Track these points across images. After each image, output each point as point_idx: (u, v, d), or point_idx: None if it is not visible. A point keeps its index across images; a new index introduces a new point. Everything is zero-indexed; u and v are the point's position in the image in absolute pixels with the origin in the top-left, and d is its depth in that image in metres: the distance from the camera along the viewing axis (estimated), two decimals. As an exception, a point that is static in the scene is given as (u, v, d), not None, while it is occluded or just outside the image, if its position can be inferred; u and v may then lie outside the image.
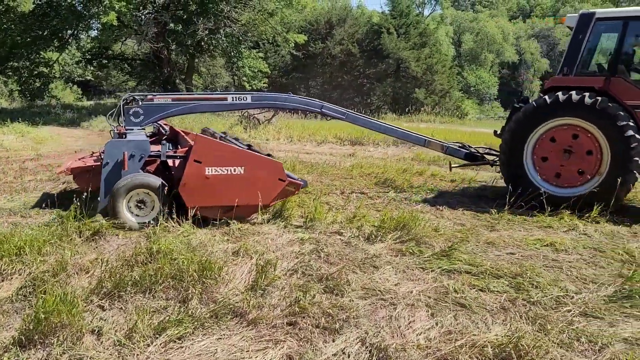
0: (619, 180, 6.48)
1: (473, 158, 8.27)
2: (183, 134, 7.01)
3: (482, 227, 6.12)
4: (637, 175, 6.60)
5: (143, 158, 5.81)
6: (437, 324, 3.54)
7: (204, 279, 4.01)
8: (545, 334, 3.38)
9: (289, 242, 5.26)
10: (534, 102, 7.10)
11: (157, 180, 5.65)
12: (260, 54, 27.51)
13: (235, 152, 5.79)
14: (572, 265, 4.80)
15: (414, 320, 3.59)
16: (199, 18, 22.92)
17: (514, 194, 6.93)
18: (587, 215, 6.49)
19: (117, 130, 6.51)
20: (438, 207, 7.19)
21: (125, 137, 6.08)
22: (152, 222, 5.55)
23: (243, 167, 5.65)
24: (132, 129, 6.67)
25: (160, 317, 3.50)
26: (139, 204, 5.64)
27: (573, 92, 6.78)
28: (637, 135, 6.53)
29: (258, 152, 6.41)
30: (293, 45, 26.54)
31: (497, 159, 7.88)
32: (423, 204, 7.36)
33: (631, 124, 6.56)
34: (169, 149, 6.21)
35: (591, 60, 7.47)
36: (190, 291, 3.86)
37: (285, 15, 24.39)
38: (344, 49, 31.96)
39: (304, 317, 3.58)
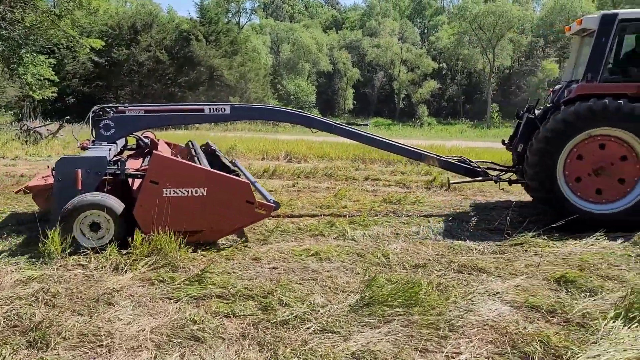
0: None
1: (474, 173, 7.64)
2: (164, 146, 6.27)
3: (254, 242, 5.87)
4: None
5: (99, 176, 5.28)
6: (156, 368, 3.08)
7: None
8: (273, 362, 3.14)
9: (13, 284, 4.37)
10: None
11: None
12: (52, 60, 24.61)
13: (196, 171, 5.27)
14: (330, 275, 4.75)
15: (130, 368, 3.08)
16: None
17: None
18: (360, 221, 6.67)
19: (80, 144, 6.17)
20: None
21: (85, 153, 5.59)
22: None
23: (205, 188, 5.14)
24: (101, 143, 6.18)
25: None
26: (93, 227, 5.10)
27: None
28: None
29: (239, 171, 5.68)
30: (88, 50, 24.24)
31: (504, 174, 7.60)
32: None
33: None
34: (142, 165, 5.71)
35: (618, 65, 6.95)
36: None
37: (78, 18, 22.14)
38: (151, 55, 30.33)
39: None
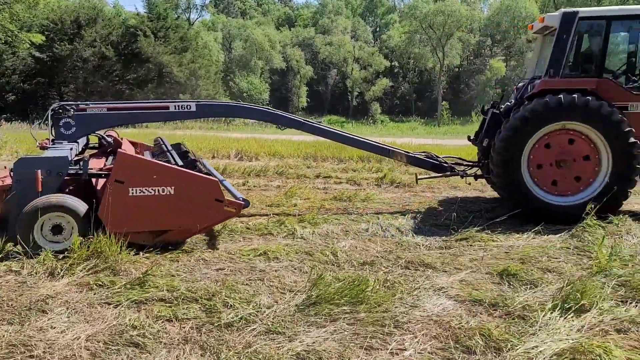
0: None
1: (441, 169, 7.69)
2: (130, 145, 6.32)
3: (201, 242, 5.73)
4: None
5: (60, 177, 5.09)
6: (91, 378, 2.93)
7: None
8: (215, 367, 3.05)
9: (-63, 293, 4.09)
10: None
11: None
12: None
13: (163, 169, 5.13)
14: (277, 275, 4.69)
15: (62, 380, 2.93)
16: None
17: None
18: (309, 219, 6.64)
19: (39, 143, 5.95)
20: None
21: (45, 153, 5.39)
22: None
23: (173, 187, 5.04)
24: (61, 143, 5.97)
25: None
26: (54, 230, 4.93)
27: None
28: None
29: (204, 169, 5.48)
30: (28, 45, 23.14)
31: (470, 169, 7.65)
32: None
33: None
34: (106, 164, 5.57)
35: (578, 61, 7.23)
36: None
37: (17, 12, 21.09)
38: (96, 51, 29.26)
39: None
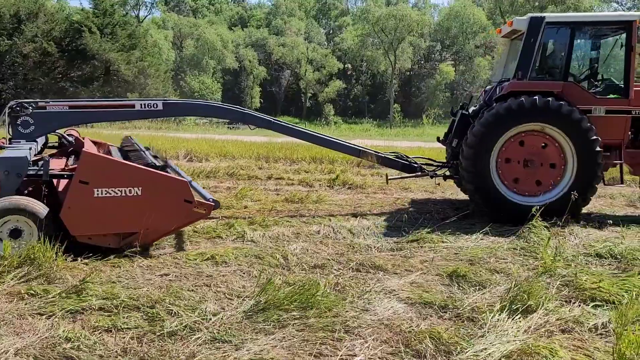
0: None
1: (410, 169, 7.64)
2: (87, 145, 6.01)
3: (145, 246, 5.47)
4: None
5: (19, 178, 4.89)
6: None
7: None
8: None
9: None
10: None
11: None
12: None
13: (129, 169, 4.99)
14: (225, 280, 4.53)
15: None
16: None
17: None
18: (260, 221, 6.50)
19: None
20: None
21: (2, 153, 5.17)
22: None
23: (140, 187, 4.88)
24: (19, 142, 5.70)
25: None
26: (13, 234, 4.70)
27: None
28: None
29: (172, 170, 5.38)
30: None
31: (439, 169, 7.62)
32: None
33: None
34: (68, 164, 5.35)
35: (544, 65, 7.37)
36: None
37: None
38: (38, 47, 27.90)
39: None
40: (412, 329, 3.56)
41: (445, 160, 8.06)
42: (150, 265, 4.84)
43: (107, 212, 4.84)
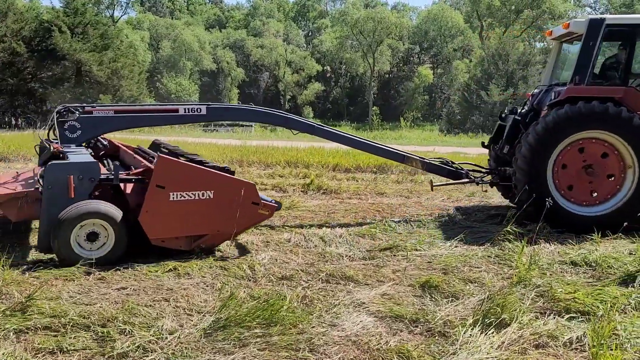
0: None
1: (457, 175, 7.40)
2: (127, 149, 6.21)
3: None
4: None
5: (93, 182, 4.97)
6: None
7: None
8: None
9: None
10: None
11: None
12: None
13: (202, 173, 5.08)
14: (186, 293, 4.27)
15: None
16: None
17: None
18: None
19: (53, 148, 5.67)
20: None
21: (66, 158, 5.22)
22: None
23: (212, 191, 5.01)
24: (70, 147, 5.80)
25: None
26: (90, 237, 4.82)
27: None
28: None
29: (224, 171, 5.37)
30: None
31: (486, 176, 7.37)
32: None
33: None
34: (121, 169, 5.32)
35: (603, 69, 7.05)
36: None
37: None
38: (6, 47, 27.06)
39: None
40: (381, 347, 3.37)
41: (488, 167, 7.89)
42: (107, 278, 4.56)
43: (181, 215, 4.98)
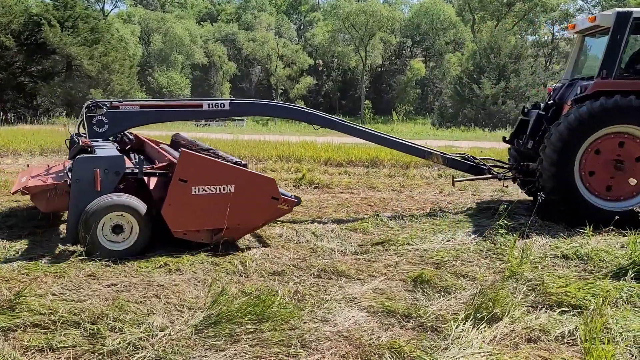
0: None
1: (479, 171, 7.36)
2: (152, 143, 6.41)
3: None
4: None
5: (119, 176, 5.11)
6: None
7: None
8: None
9: None
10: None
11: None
12: None
13: (224, 168, 5.17)
14: (178, 290, 4.24)
15: None
16: None
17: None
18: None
19: (82, 142, 5.88)
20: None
21: (94, 152, 5.41)
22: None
23: (233, 185, 5.11)
24: (97, 141, 6.00)
25: None
26: (115, 230, 4.97)
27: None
28: None
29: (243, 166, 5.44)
30: None
31: (508, 171, 7.35)
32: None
33: None
34: (145, 163, 5.42)
35: (631, 63, 6.93)
36: None
37: None
38: (-5, 40, 26.80)
39: None
40: (373, 342, 3.36)
41: (508, 162, 7.84)
42: (98, 274, 4.51)
43: (202, 209, 5.06)
